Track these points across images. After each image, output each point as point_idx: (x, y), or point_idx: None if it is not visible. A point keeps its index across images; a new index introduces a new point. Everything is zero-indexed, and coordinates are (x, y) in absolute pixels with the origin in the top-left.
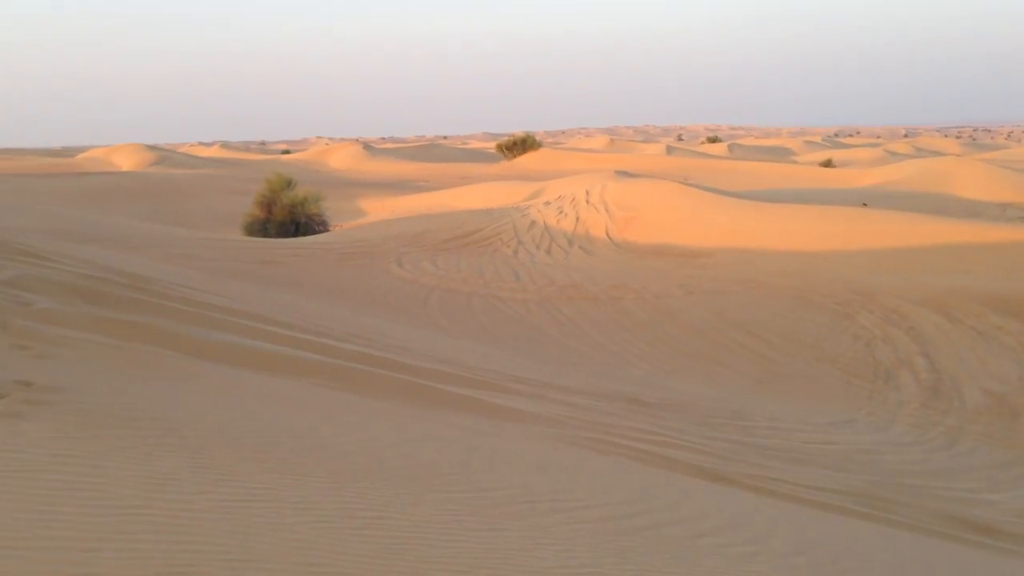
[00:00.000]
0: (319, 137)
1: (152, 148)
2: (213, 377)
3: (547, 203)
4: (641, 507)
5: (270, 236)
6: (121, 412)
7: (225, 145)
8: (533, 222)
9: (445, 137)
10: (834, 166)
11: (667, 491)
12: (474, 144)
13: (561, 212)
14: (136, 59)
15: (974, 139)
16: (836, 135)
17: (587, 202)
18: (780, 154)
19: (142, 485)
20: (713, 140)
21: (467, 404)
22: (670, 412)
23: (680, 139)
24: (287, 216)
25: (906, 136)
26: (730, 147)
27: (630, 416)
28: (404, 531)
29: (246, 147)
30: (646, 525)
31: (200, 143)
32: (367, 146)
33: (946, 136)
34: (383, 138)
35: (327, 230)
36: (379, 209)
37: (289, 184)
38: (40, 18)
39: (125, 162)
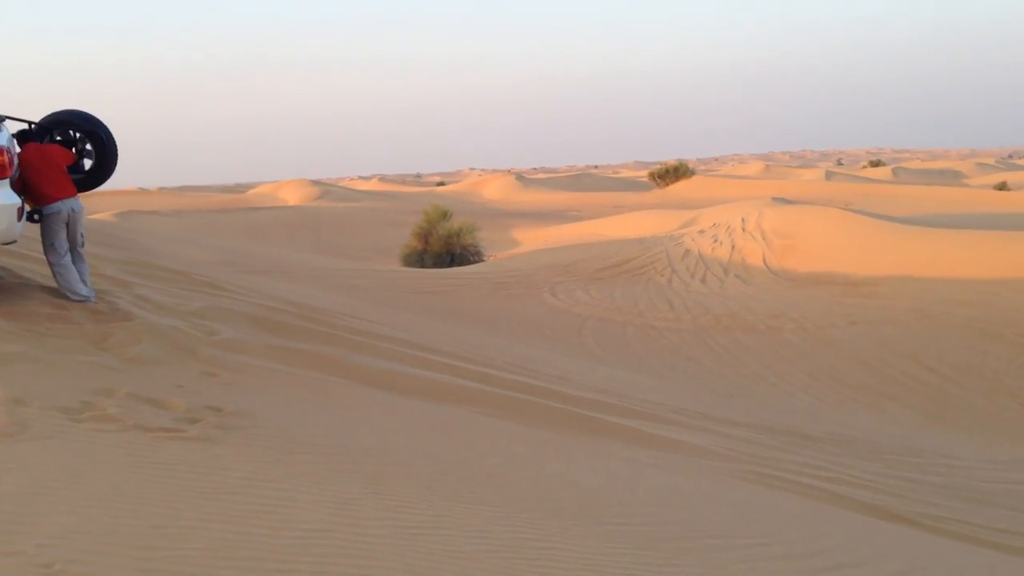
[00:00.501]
0: (472, 168)
1: (316, 183)
2: (382, 404)
3: (701, 231)
4: (817, 546)
5: (427, 267)
6: (302, 438)
7: (383, 178)
8: (687, 251)
9: (596, 166)
10: (1009, 189)
11: (842, 530)
12: (625, 173)
13: (716, 240)
14: (301, 100)
15: None
16: (1010, 156)
17: (743, 230)
18: (949, 177)
19: (326, 509)
20: (876, 164)
21: (628, 434)
22: (838, 447)
23: (840, 164)
24: (443, 247)
25: None
26: (894, 171)
27: (796, 450)
28: (577, 565)
29: (402, 180)
30: (826, 566)
31: (359, 177)
32: (520, 176)
33: None
34: (535, 168)
35: (482, 260)
36: (532, 239)
37: (445, 216)
38: (219, 68)
39: (291, 197)
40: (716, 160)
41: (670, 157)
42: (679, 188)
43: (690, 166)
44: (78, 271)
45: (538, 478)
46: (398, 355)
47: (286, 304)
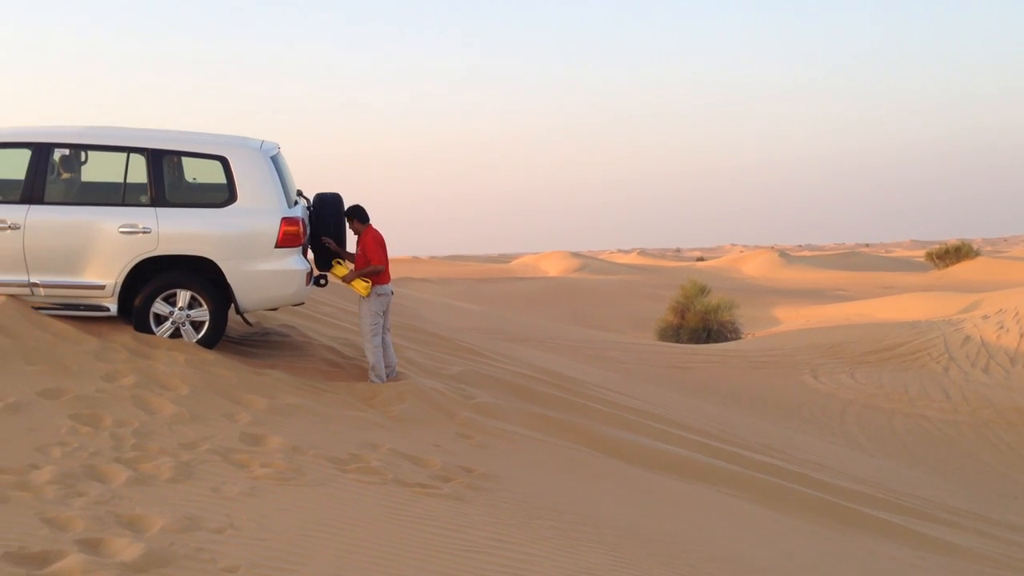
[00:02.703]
0: (733, 244)
1: (576, 255)
2: (628, 477)
3: (985, 317)
4: None
5: (682, 341)
6: (547, 503)
7: (642, 252)
8: (968, 337)
9: (867, 244)
10: None
11: None
12: (900, 252)
13: (1002, 327)
14: (568, 174)
15: None
16: None
17: None
18: None
19: None
20: None
21: (889, 530)
22: None
23: None
24: (699, 322)
25: None
26: None
27: None
28: None
29: (662, 254)
30: None
31: (619, 250)
32: (783, 253)
33: None
34: (799, 245)
35: (739, 337)
36: (794, 318)
37: (703, 291)
38: (484, 145)
39: (552, 268)
40: (1004, 240)
41: (951, 236)
42: (960, 269)
43: (974, 246)
44: (387, 352)
45: (786, 567)
46: (648, 429)
47: (541, 372)
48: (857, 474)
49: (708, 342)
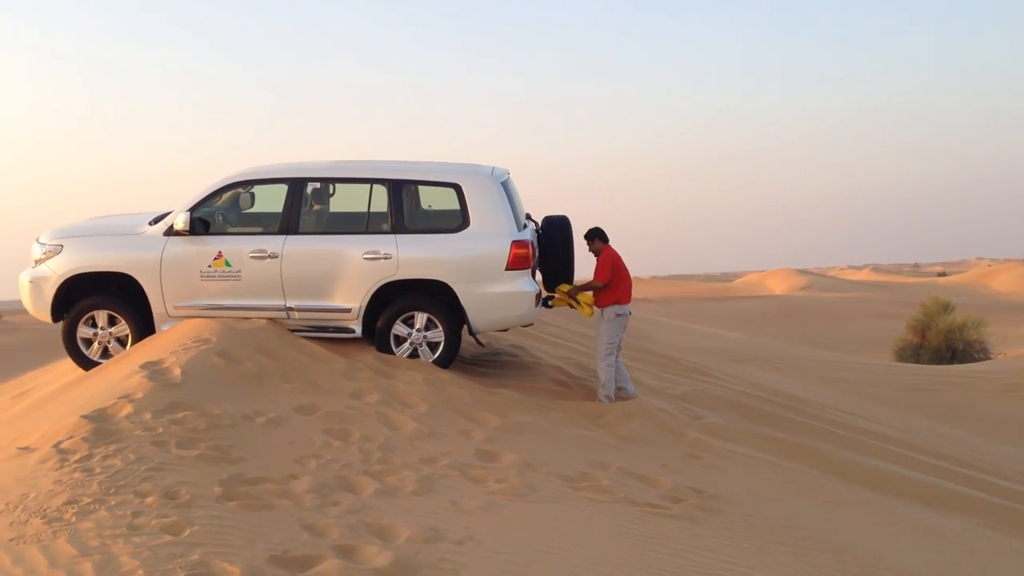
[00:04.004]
0: (980, 258)
1: (803, 272)
2: (866, 503)
3: None
4: None
5: (922, 362)
6: (781, 528)
7: (876, 268)
8: None
9: None
10: None
11: None
12: None
13: None
14: (793, 190)
15: None
16: None
17: None
18: None
19: None
20: None
21: None
22: None
23: None
24: (943, 342)
25: None
26: None
27: None
28: None
29: (898, 270)
30: None
31: (850, 267)
32: None
33: None
34: None
35: (988, 358)
36: None
37: (946, 308)
38: (701, 162)
39: (778, 286)
40: None
41: None
42: None
43: None
44: (619, 372)
45: None
46: (886, 453)
47: (770, 393)
48: None
49: (953, 363)
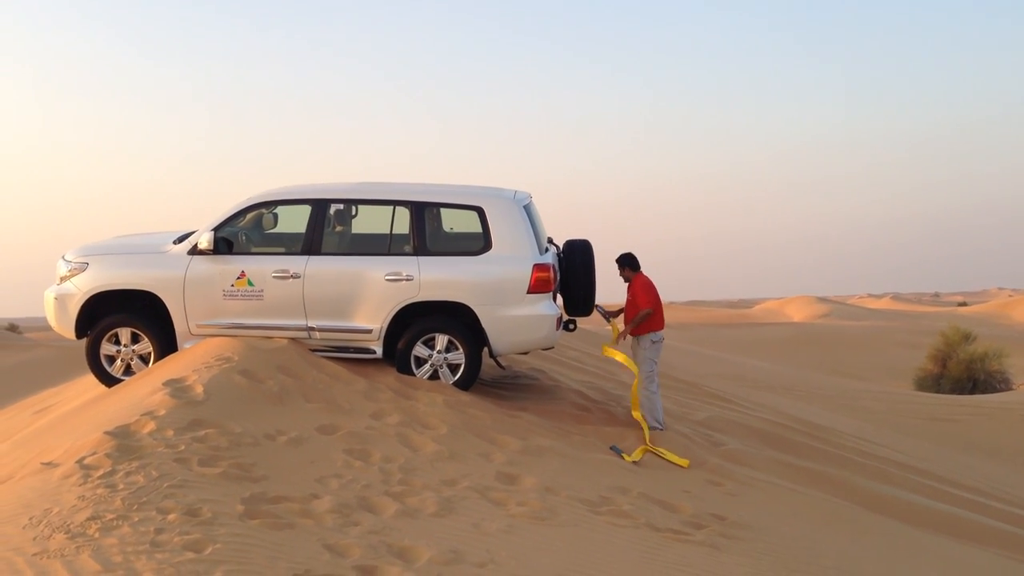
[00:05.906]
0: (1001, 288)
1: (822, 300)
2: (893, 534)
3: None
4: None
5: (943, 392)
6: (807, 557)
7: (896, 297)
8: None
9: None
10: None
11: None
12: None
13: None
14: (812, 217)
15: None
16: None
17: None
18: None
19: None
20: None
21: None
22: None
23: None
24: (964, 372)
25: None
26: None
27: None
28: None
29: (918, 299)
30: None
31: (869, 295)
32: None
33: None
34: None
35: (1010, 389)
36: None
37: (967, 338)
38: (719, 189)
39: (797, 313)
40: None
41: None
42: None
43: None
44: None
45: None
46: (910, 483)
47: (790, 420)
48: None
49: (974, 393)
